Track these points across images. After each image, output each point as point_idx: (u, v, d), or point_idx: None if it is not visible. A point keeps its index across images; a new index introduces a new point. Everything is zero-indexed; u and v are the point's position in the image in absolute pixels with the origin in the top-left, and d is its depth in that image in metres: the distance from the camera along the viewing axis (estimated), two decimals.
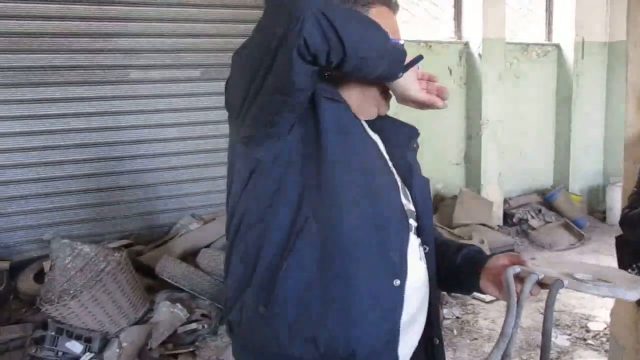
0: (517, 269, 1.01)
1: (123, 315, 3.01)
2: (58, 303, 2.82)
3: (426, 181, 1.20)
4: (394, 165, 1.16)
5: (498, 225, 5.47)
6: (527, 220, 5.50)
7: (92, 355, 2.82)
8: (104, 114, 3.95)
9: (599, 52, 6.15)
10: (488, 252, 4.43)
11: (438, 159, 5.41)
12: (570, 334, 3.34)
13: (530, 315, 3.56)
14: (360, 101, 1.11)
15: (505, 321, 0.93)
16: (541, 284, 0.98)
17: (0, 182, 3.69)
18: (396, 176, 1.15)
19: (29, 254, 3.72)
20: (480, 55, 5.31)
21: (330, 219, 1.01)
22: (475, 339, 3.32)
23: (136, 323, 3.06)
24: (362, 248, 1.02)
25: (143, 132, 4.09)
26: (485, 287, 1.11)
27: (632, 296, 0.96)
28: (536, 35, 6.10)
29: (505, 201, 5.70)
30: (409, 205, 1.13)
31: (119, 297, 2.97)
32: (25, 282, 3.44)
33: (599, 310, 3.58)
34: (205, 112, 4.19)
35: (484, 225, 5.07)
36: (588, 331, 3.37)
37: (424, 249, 1.14)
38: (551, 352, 3.05)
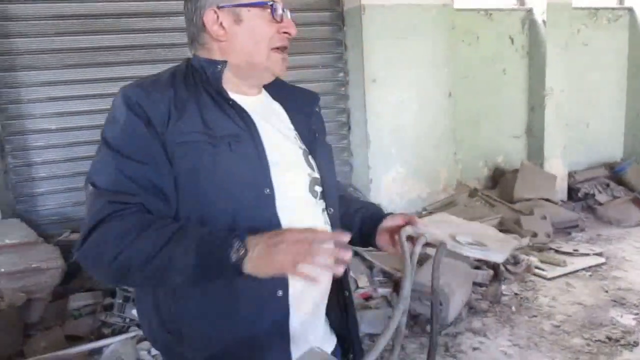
0: (410, 230, 1.12)
1: None
2: None
3: (329, 148, 1.29)
4: (298, 133, 1.22)
5: (562, 201, 5.27)
6: (593, 195, 5.26)
7: None
8: None
9: None
10: (524, 227, 4.21)
11: (496, 132, 5.24)
12: (637, 314, 3.20)
13: (594, 294, 3.43)
14: (248, 70, 1.15)
15: (402, 284, 1.00)
16: (429, 244, 1.10)
17: (72, 159, 3.88)
18: (301, 144, 1.20)
19: None
20: (544, 22, 5.05)
21: None
22: (535, 316, 3.24)
23: None
24: None
25: None
26: (380, 244, 1.23)
27: (499, 258, 1.14)
28: None
29: (570, 175, 5.46)
30: (314, 174, 1.18)
31: None
32: None
33: None
34: None
35: (547, 200, 4.89)
36: None
37: (329, 211, 1.20)
38: (616, 331, 2.94)
